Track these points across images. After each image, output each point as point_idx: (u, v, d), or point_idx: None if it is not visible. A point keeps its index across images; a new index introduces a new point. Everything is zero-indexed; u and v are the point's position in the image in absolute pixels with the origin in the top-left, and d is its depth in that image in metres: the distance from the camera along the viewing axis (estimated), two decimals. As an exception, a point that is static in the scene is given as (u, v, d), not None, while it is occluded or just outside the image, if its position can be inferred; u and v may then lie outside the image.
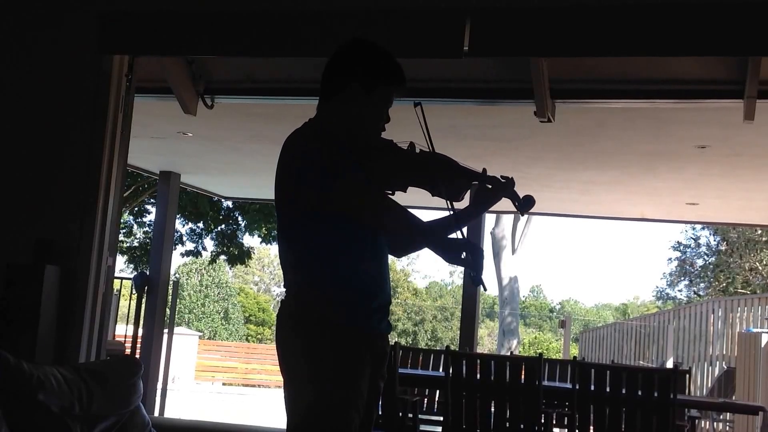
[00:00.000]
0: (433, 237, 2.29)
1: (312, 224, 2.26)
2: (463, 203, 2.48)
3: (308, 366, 2.22)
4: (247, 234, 14.11)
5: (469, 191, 2.49)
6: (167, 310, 7.98)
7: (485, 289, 2.33)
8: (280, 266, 2.41)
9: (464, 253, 2.20)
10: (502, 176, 2.47)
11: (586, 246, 58.20)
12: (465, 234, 2.33)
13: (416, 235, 2.34)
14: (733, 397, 9.10)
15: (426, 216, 2.36)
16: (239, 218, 13.84)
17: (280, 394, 2.32)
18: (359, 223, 2.28)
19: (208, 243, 14.37)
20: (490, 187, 2.44)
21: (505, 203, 2.52)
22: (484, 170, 2.46)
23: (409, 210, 2.29)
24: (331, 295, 2.26)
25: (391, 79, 2.38)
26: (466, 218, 2.49)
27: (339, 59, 2.40)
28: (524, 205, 2.44)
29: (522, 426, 5.08)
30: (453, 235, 2.32)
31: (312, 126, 2.36)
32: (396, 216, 2.25)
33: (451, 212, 2.37)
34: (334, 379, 2.20)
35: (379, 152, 2.40)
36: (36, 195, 3.66)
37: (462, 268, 2.26)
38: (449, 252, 2.24)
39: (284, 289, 2.36)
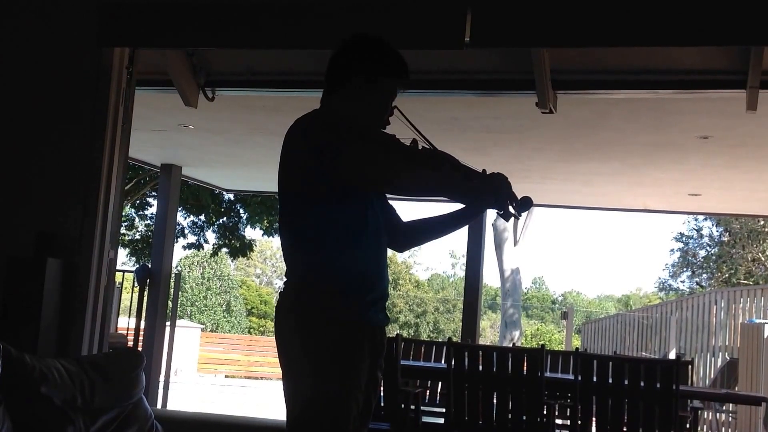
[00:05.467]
0: (454, 193, 2.33)
1: (313, 214, 2.26)
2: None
3: (307, 358, 2.22)
4: (248, 226, 14.11)
5: None
6: (169, 302, 7.98)
7: (517, 218, 2.37)
8: (282, 259, 2.42)
9: (484, 200, 2.27)
10: (497, 174, 2.46)
11: (589, 237, 58.26)
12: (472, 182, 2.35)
13: (433, 189, 2.40)
14: (736, 388, 9.11)
15: (426, 209, 2.37)
16: (241, 211, 13.84)
17: (282, 386, 2.33)
18: (370, 190, 2.31)
19: (210, 236, 14.39)
20: (489, 186, 2.44)
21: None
22: (484, 171, 2.45)
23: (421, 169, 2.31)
24: (329, 286, 2.26)
25: (395, 72, 2.39)
26: (463, 219, 2.51)
27: (343, 53, 2.40)
28: (521, 206, 2.43)
29: (524, 417, 5.08)
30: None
31: (317, 116, 2.36)
32: (408, 177, 2.29)
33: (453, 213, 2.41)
34: (334, 371, 2.21)
35: (381, 145, 2.39)
36: (37, 188, 3.66)
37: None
38: (473, 208, 2.36)
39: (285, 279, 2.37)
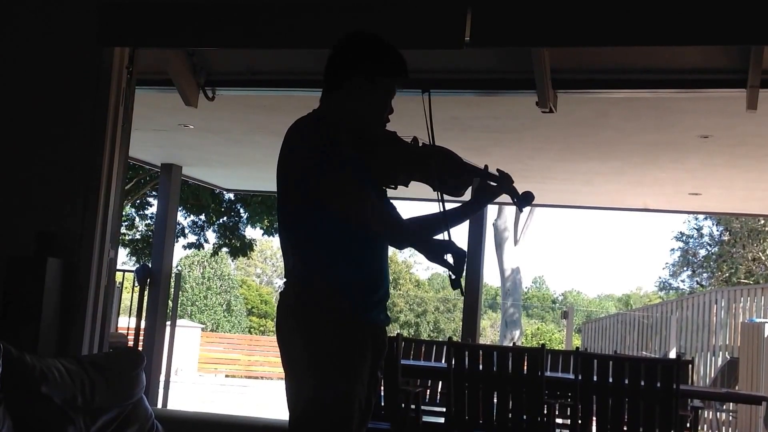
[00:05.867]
0: (419, 241, 2.30)
1: (312, 214, 2.26)
2: (460, 198, 2.49)
3: (309, 358, 2.22)
4: (248, 226, 14.11)
5: (470, 187, 2.49)
6: (169, 302, 7.99)
7: (463, 294, 2.34)
8: (282, 258, 2.41)
9: (447, 255, 2.20)
10: (498, 170, 2.47)
11: (589, 237, 58.26)
12: (450, 235, 2.32)
13: (401, 239, 2.34)
14: (736, 387, 9.11)
15: (420, 208, 2.36)
16: (241, 210, 13.84)
17: (282, 385, 2.32)
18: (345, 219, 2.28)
19: (210, 235, 14.39)
20: (491, 183, 2.45)
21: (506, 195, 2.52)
22: (486, 167, 2.46)
23: (396, 211, 2.30)
24: (330, 286, 2.25)
25: (394, 70, 2.38)
26: (465, 215, 2.50)
27: (342, 52, 2.39)
28: (523, 202, 2.44)
29: (525, 417, 5.08)
30: (438, 237, 2.33)
31: (316, 117, 2.36)
32: (380, 219, 2.25)
33: (442, 212, 2.37)
34: (336, 371, 2.20)
35: (382, 145, 2.39)
36: (37, 188, 3.66)
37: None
38: (433, 252, 2.23)
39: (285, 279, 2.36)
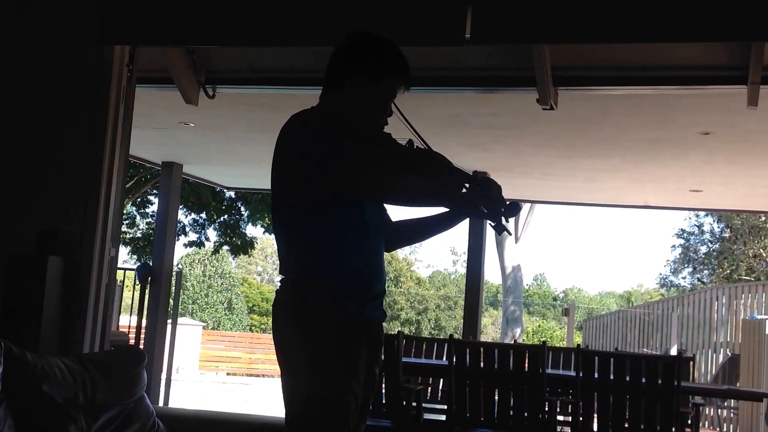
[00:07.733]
0: (442, 199, 2.31)
1: (310, 211, 2.24)
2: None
3: (305, 355, 2.21)
4: (249, 224, 14.13)
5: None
6: (170, 300, 7.99)
7: (509, 234, 2.34)
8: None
9: (480, 207, 2.24)
10: (487, 181, 2.34)
11: (590, 234, 58.26)
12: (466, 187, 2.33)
13: (427, 200, 2.33)
14: (738, 384, 9.11)
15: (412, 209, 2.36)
16: (242, 208, 13.85)
17: (281, 383, 2.32)
18: (366, 200, 2.29)
19: (211, 233, 14.40)
20: (482, 195, 2.39)
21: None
22: (475, 173, 2.44)
23: (415, 177, 2.29)
24: (327, 283, 2.24)
25: (396, 71, 2.37)
26: (449, 223, 2.50)
27: (345, 51, 2.38)
28: (509, 212, 2.33)
29: (526, 414, 5.08)
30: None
31: (314, 111, 2.34)
32: (404, 188, 2.24)
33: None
34: (331, 367, 2.20)
35: (377, 145, 2.38)
36: (38, 186, 3.66)
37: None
38: (464, 213, 2.30)
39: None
